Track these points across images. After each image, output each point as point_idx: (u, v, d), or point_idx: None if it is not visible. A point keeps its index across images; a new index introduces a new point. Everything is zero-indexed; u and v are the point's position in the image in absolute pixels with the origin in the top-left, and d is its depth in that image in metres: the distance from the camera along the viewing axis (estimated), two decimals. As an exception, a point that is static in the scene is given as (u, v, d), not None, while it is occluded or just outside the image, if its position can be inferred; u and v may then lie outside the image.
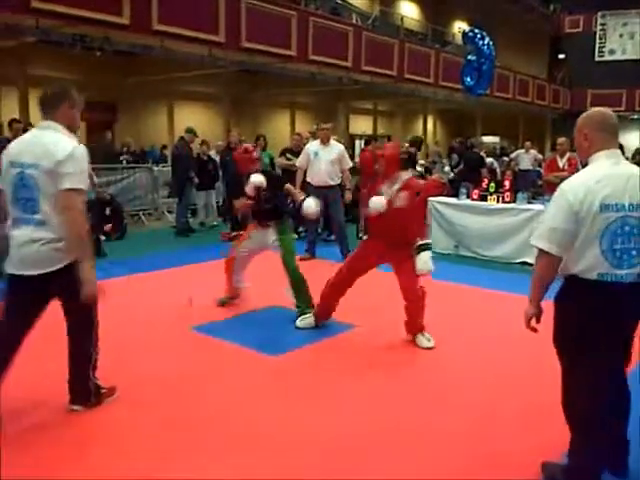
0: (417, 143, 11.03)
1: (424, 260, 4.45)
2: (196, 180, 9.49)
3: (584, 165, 2.64)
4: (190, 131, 9.48)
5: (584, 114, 2.67)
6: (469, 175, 10.10)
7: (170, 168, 10.07)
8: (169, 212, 10.78)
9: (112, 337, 4.45)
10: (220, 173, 10.03)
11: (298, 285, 5.00)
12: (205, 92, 15.09)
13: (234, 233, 9.00)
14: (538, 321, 2.64)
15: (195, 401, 3.48)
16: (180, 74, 12.69)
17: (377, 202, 4.40)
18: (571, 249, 2.48)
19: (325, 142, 7.49)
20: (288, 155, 9.19)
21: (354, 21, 16.44)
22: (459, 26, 22.89)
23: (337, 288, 4.76)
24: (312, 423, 3.25)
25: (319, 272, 6.44)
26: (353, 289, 4.86)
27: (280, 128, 16.41)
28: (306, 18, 13.38)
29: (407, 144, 10.17)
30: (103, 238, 8.01)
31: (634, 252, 2.45)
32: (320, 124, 7.94)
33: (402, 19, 19.40)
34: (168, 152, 12.47)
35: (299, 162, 7.69)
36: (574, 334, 2.55)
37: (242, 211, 5.30)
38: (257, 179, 4.91)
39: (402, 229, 4.44)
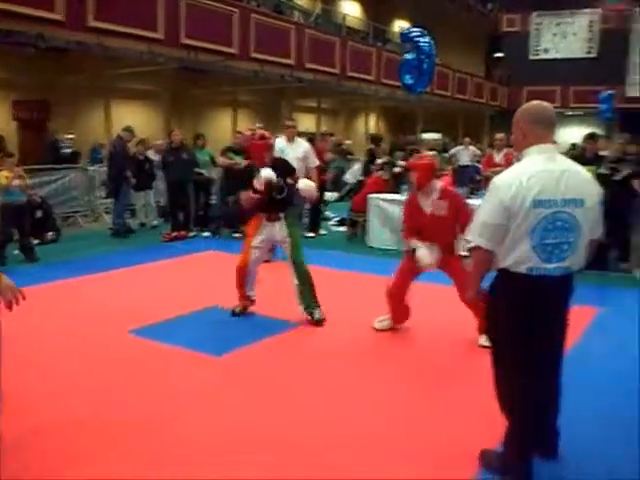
0: (377, 140, 11.12)
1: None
2: (133, 180, 9.24)
3: (519, 159, 2.65)
4: (128, 129, 9.23)
5: (522, 107, 2.68)
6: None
7: (106, 168, 9.76)
8: (106, 213, 10.47)
9: (47, 345, 4.31)
10: (160, 173, 9.79)
11: (304, 280, 4.84)
12: (144, 90, 14.72)
13: (175, 233, 8.86)
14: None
15: (141, 406, 3.37)
16: (118, 71, 12.33)
17: (424, 258, 4.32)
18: (503, 243, 2.51)
19: (291, 139, 7.37)
20: (230, 154, 9.07)
21: (296, 19, 16.39)
22: (400, 25, 23.16)
23: (397, 297, 4.63)
24: (264, 422, 3.20)
25: (279, 275, 6.37)
26: (288, 284, 4.86)
27: (222, 126, 16.18)
28: (248, 15, 13.24)
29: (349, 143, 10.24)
30: (35, 242, 7.70)
31: (565, 246, 2.49)
32: (286, 121, 7.76)
33: (344, 17, 19.47)
34: (105, 151, 12.09)
35: None
36: (504, 326, 2.62)
37: (248, 205, 4.92)
38: (268, 174, 4.73)
39: (447, 235, 4.41)
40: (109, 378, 3.77)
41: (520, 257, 2.48)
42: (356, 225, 9.05)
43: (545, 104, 2.64)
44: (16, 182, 7.07)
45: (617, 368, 4.04)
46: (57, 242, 8.41)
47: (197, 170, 9.26)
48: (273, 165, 4.81)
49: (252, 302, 5.17)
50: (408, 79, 10.16)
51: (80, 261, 7.21)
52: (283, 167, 4.94)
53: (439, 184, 4.50)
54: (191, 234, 9.07)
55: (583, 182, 2.54)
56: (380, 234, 8.25)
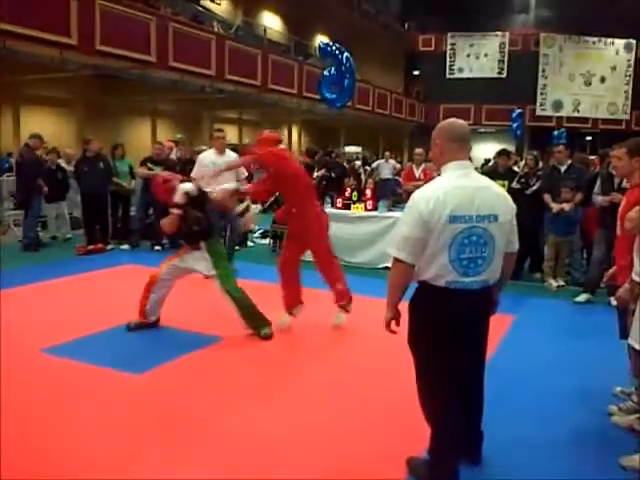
0: (314, 153, 11.11)
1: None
2: (45, 190, 8.73)
3: (440, 174, 2.70)
4: (35, 136, 8.72)
5: (439, 124, 2.75)
6: (333, 184, 10.31)
7: (15, 177, 9.23)
8: (16, 225, 9.88)
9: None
10: (75, 184, 9.35)
11: (244, 307, 4.73)
12: (56, 97, 14.10)
13: (91, 246, 8.48)
14: (397, 324, 2.71)
15: (53, 428, 3.15)
16: (27, 76, 11.74)
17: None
18: (422, 257, 2.55)
19: (221, 151, 7.17)
20: (149, 164, 8.82)
21: (216, 29, 16.24)
22: (320, 40, 23.46)
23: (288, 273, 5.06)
24: (188, 441, 3.06)
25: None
26: (218, 300, 4.73)
27: (141, 136, 15.76)
28: (166, 24, 12.98)
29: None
30: None
31: (480, 261, 2.55)
32: (215, 133, 7.41)
33: (265, 30, 19.50)
34: (13, 160, 11.46)
35: (195, 173, 7.10)
36: (424, 337, 2.66)
37: (170, 230, 4.79)
38: (187, 186, 4.66)
39: None
40: (19, 399, 3.50)
41: (438, 271, 2.53)
42: (280, 237, 8.99)
43: (460, 122, 2.72)
44: None
45: (533, 374, 4.19)
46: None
47: (116, 181, 8.94)
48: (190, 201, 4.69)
49: (153, 323, 4.96)
50: (329, 94, 10.27)
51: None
52: (197, 197, 4.77)
53: None
54: (109, 247, 8.70)
55: (496, 198, 2.61)
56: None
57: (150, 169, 8.67)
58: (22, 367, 4.04)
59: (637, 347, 3.04)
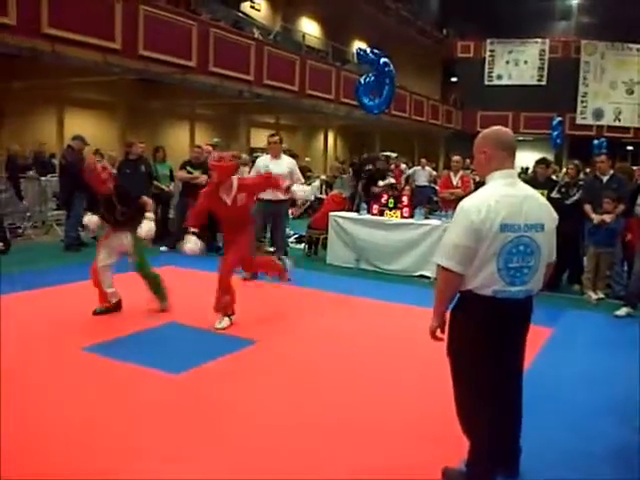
0: (374, 160, 11.13)
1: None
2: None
3: (481, 183, 2.69)
4: (78, 138, 8.91)
5: (484, 132, 2.71)
6: (366, 190, 10.28)
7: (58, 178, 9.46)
8: (58, 225, 10.14)
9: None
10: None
11: (155, 284, 5.43)
12: (99, 100, 14.45)
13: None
14: (443, 332, 2.69)
15: (94, 426, 3.23)
16: (72, 80, 12.06)
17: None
18: (470, 266, 2.52)
19: (276, 156, 7.25)
20: (189, 168, 8.96)
21: (256, 35, 16.43)
22: (358, 45, 23.52)
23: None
24: (222, 440, 3.11)
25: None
26: (252, 302, 4.79)
27: (179, 140, 16.01)
28: (207, 29, 13.20)
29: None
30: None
31: (526, 270, 2.54)
32: (270, 138, 7.56)
33: (303, 36, 19.65)
34: (56, 161, 11.77)
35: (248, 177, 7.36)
36: (467, 347, 2.61)
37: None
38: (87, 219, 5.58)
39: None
40: (62, 397, 3.60)
41: (486, 280, 2.51)
42: (315, 242, 9.04)
43: (506, 130, 2.71)
44: None
45: (571, 388, 4.12)
46: (6, 254, 8.08)
47: (156, 184, 9.09)
48: (116, 193, 5.31)
49: (116, 304, 5.42)
50: (367, 100, 10.27)
51: (31, 274, 6.94)
52: (122, 196, 5.33)
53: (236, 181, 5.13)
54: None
55: (542, 207, 2.61)
56: (340, 252, 8.25)
57: (189, 172, 8.81)
58: (64, 365, 4.14)
59: None
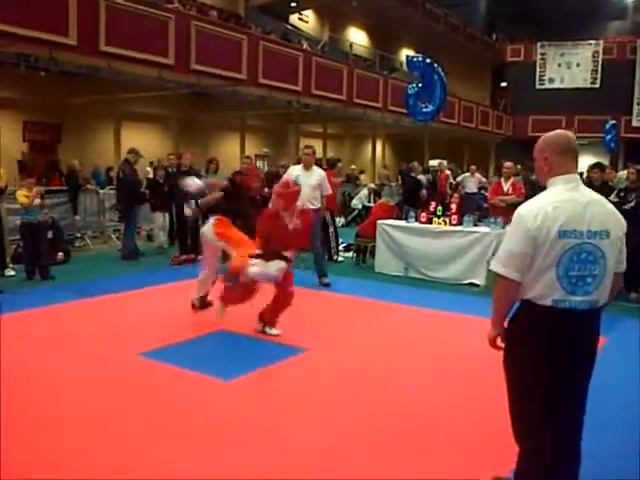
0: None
1: None
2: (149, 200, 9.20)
3: (542, 188, 2.58)
4: (133, 151, 9.25)
5: (544, 136, 2.61)
6: (410, 198, 10.31)
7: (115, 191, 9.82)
8: (116, 236, 10.52)
9: (58, 366, 4.32)
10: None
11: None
12: (153, 113, 14.93)
13: (183, 257, 8.89)
14: (503, 340, 2.60)
15: (154, 431, 3.38)
16: (128, 95, 12.52)
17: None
18: (528, 274, 2.43)
19: (308, 167, 7.34)
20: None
21: (304, 46, 16.65)
22: (406, 53, 23.51)
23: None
24: (273, 447, 3.20)
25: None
26: (301, 310, 4.86)
27: (230, 151, 16.35)
28: (257, 42, 13.46)
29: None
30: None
31: (589, 279, 2.40)
32: (304, 149, 7.64)
33: (351, 45, 19.77)
34: (114, 174, 12.23)
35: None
36: (524, 360, 2.49)
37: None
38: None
39: None
40: (119, 401, 3.77)
41: (545, 288, 2.40)
42: (363, 251, 9.07)
43: (568, 133, 2.58)
44: (37, 201, 7.20)
45: (625, 398, 4.03)
46: (67, 263, 8.45)
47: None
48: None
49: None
50: (417, 107, 10.28)
51: (90, 283, 7.24)
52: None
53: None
54: (200, 257, 9.07)
55: (608, 214, 2.47)
56: (388, 260, 8.27)
57: (239, 183, 8.99)
58: (121, 370, 4.33)
59: None
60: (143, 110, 14.63)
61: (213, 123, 16.35)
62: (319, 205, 7.34)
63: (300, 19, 20.55)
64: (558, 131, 2.59)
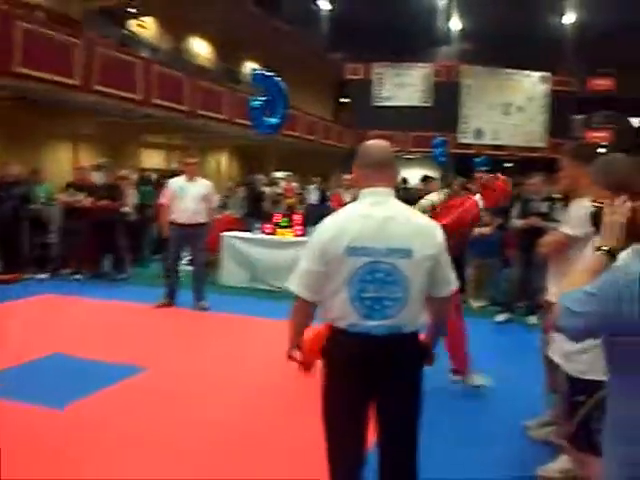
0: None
1: None
2: None
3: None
4: None
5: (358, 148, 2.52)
6: (253, 210, 10.42)
7: None
8: None
9: None
10: None
11: None
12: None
13: (5, 276, 8.05)
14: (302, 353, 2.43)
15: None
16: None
17: None
18: (325, 294, 2.24)
19: (191, 177, 6.86)
20: (71, 190, 8.53)
21: (143, 54, 16.06)
22: (251, 66, 23.64)
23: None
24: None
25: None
26: (142, 329, 4.61)
27: (62, 161, 15.25)
28: (92, 47, 12.73)
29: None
30: None
31: (388, 302, 2.16)
32: (186, 159, 7.14)
33: (194, 56, 19.44)
34: None
35: (163, 199, 6.90)
36: (324, 386, 2.32)
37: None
38: None
39: None
40: None
41: (339, 311, 2.20)
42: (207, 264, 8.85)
43: (378, 145, 2.38)
44: None
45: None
46: None
47: (33, 207, 8.56)
48: None
49: None
50: (260, 120, 10.29)
51: None
52: None
53: None
54: (25, 276, 8.30)
55: (414, 231, 2.21)
56: (233, 272, 8.16)
57: (72, 195, 8.39)
58: None
59: (556, 360, 2.80)
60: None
61: (44, 131, 15.15)
62: (207, 219, 6.90)
63: (139, 25, 19.78)
64: (369, 142, 2.41)
